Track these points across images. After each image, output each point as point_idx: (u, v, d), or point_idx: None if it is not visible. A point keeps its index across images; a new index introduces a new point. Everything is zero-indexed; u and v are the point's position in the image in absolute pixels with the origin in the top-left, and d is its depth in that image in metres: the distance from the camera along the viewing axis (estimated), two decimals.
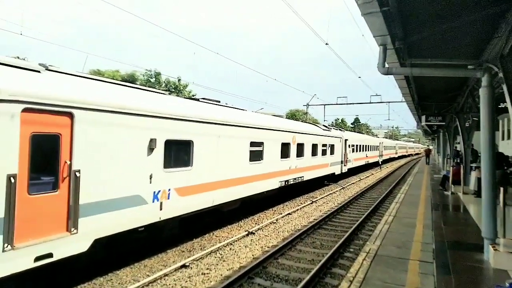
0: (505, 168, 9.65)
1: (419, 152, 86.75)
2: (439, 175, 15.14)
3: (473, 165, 12.49)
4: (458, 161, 13.90)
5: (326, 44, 13.72)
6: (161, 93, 8.16)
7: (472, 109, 11.94)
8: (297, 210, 13.10)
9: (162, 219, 7.21)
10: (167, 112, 7.44)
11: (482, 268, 4.84)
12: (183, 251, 8.01)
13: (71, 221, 5.26)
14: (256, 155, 11.38)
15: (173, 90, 35.79)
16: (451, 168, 13.36)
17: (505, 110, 5.45)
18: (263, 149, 11.83)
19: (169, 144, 7.46)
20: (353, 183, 22.32)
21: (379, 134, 73.46)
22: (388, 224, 7.77)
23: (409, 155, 73.47)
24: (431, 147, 42.81)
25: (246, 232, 9.47)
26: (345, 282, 4.53)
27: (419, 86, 11.67)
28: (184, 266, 6.99)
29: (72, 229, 5.26)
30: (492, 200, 5.38)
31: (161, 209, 7.23)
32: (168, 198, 7.46)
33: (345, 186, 20.45)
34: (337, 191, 18.46)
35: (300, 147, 15.60)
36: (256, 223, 10.87)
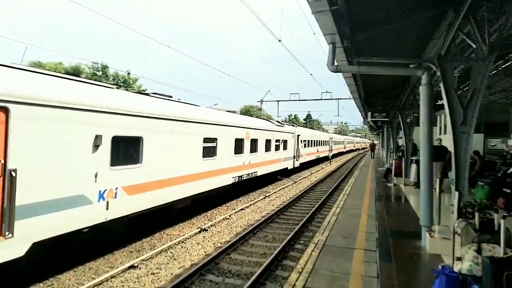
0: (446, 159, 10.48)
1: (366, 146, 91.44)
2: (383, 168, 16.07)
3: (413, 158, 13.42)
4: (400, 154, 14.82)
5: (279, 41, 13.89)
6: (108, 87, 7.74)
7: (413, 106, 12.77)
8: (251, 205, 13.20)
9: (108, 219, 6.88)
10: (114, 107, 7.08)
11: (420, 254, 5.21)
12: (132, 252, 7.72)
13: (5, 225, 4.83)
14: (209, 151, 11.26)
15: (121, 84, 34.20)
16: (394, 161, 14.23)
17: (443, 106, 5.88)
18: (216, 145, 11.73)
19: (116, 140, 7.11)
20: (305, 177, 22.96)
21: (329, 130, 76.25)
22: (336, 216, 8.10)
23: (356, 150, 77.17)
24: (376, 142, 45.30)
25: (199, 229, 9.35)
26: (294, 273, 4.64)
27: (366, 84, 12.26)
28: (132, 266, 6.73)
29: (7, 233, 4.83)
30: (429, 190, 5.81)
31: (107, 208, 6.88)
32: (115, 197, 7.13)
33: (297, 180, 20.97)
34: (289, 185, 18.87)
35: (254, 142, 15.70)
36: (209, 220, 10.78)
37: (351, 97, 15.32)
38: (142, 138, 7.90)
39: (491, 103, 28.64)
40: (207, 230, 9.47)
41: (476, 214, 4.13)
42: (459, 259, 3.66)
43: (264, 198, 14.78)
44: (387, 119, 15.60)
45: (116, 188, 7.15)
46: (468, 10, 5.18)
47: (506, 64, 21.96)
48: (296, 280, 4.40)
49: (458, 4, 5.40)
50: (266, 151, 17.30)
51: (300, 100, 32.03)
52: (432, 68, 5.97)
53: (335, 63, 6.82)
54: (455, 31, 5.56)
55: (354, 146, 76.52)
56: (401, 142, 17.30)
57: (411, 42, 8.01)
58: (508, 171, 9.95)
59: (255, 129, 15.81)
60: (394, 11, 6.00)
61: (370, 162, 27.72)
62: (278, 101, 34.42)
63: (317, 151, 33.19)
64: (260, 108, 40.20)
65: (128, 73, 35.46)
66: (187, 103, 10.85)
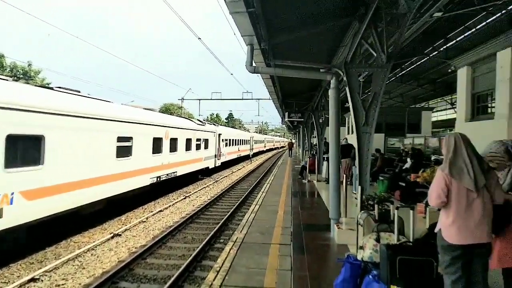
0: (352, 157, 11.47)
1: (284, 145, 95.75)
2: (299, 166, 16.97)
3: (325, 156, 14.43)
4: (314, 153, 15.80)
5: (199, 38, 13.71)
6: (3, 79, 6.78)
7: (325, 107, 13.73)
8: (170, 206, 12.82)
9: (1, 229, 6.04)
10: (10, 101, 6.24)
11: (329, 245, 5.61)
12: (33, 263, 6.89)
13: None
14: (124, 151, 10.61)
15: (21, 76, 30.28)
16: (308, 159, 15.13)
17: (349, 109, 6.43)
18: (132, 144, 11.10)
19: (12, 139, 6.29)
20: (226, 176, 23.11)
21: (250, 129, 77.92)
22: (255, 213, 8.31)
23: (275, 148, 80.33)
24: (293, 141, 47.63)
25: (111, 235, 8.75)
26: (212, 273, 4.63)
27: (283, 85, 12.81)
28: (33, 279, 6.03)
29: None
30: (336, 185, 6.29)
31: (1, 217, 6.05)
32: (11, 203, 6.30)
33: (218, 179, 20.99)
34: (210, 184, 18.80)
35: (174, 142, 15.27)
36: (123, 224, 10.16)
37: (270, 97, 15.83)
38: (44, 137, 7.10)
39: (391, 106, 32.34)
40: (120, 235, 8.91)
41: (376, 206, 4.60)
42: (362, 247, 4.01)
43: (185, 198, 14.48)
44: (303, 120, 16.52)
45: (12, 193, 6.33)
46: (370, 22, 5.73)
47: (402, 73, 24.89)
48: (214, 280, 4.39)
49: (361, 16, 5.93)
50: (186, 150, 16.96)
51: (221, 99, 32.11)
52: (340, 73, 6.47)
53: (254, 64, 6.97)
54: (359, 40, 6.11)
55: (274, 145, 79.55)
56: (315, 141, 18.46)
57: (323, 48, 8.58)
58: (404, 167, 11.30)
59: (175, 127, 15.38)
60: (307, 18, 6.36)
61: (288, 160, 29.06)
62: (199, 99, 34.04)
63: (239, 150, 33.67)
64: (181, 107, 39.26)
65: (29, 64, 31.57)
66: (98, 99, 10.06)
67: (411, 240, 3.67)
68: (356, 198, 5.60)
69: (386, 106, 32.51)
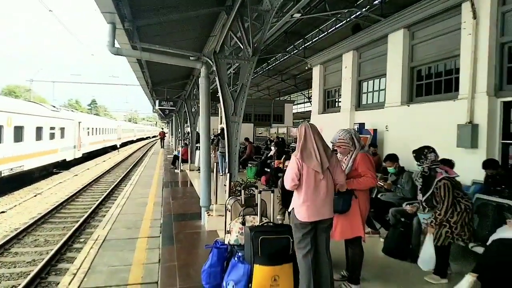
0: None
1: (157, 135, 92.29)
2: (171, 155, 16.59)
3: (198, 145, 14.49)
4: (187, 142, 15.67)
5: (50, 11, 11.82)
6: None
7: (197, 96, 13.68)
8: (16, 206, 10.86)
9: None
10: None
11: (200, 233, 5.66)
12: None
13: None
14: None
15: None
16: (181, 148, 14.93)
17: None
18: None
19: None
20: (89, 168, 20.89)
21: (118, 117, 72.19)
22: (121, 207, 7.75)
23: (147, 138, 76.65)
24: (166, 130, 46.25)
25: None
26: (67, 276, 4.12)
27: (153, 71, 12.17)
28: None
29: None
30: (207, 174, 6.37)
31: None
32: None
33: (79, 173, 18.80)
34: (69, 179, 16.69)
35: (19, 130, 12.93)
36: None
37: (139, 83, 14.89)
38: None
39: (259, 98, 34.57)
40: None
41: (242, 192, 4.83)
42: (229, 232, 4.16)
43: (35, 196, 12.48)
44: (175, 108, 16.14)
45: None
46: (237, 15, 5.90)
47: (268, 67, 26.75)
48: (69, 284, 3.91)
49: (229, 8, 6.06)
50: (37, 140, 14.60)
51: (82, 83, 28.69)
52: (210, 62, 6.50)
53: (117, 45, 6.39)
54: (227, 32, 6.24)
55: (145, 135, 75.73)
56: (188, 130, 18.32)
57: (194, 36, 8.48)
58: (269, 154, 12.24)
59: (20, 113, 13.02)
60: (176, 1, 6.14)
61: (160, 150, 28.07)
62: (54, 81, 29.62)
63: (104, 140, 30.85)
64: (29, 89, 33.51)
65: None
66: None
67: (272, 220, 3.98)
68: (225, 185, 5.79)
69: (256, 98, 34.64)
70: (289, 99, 35.27)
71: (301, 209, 3.14)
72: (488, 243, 3.44)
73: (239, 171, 12.40)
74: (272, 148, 11.73)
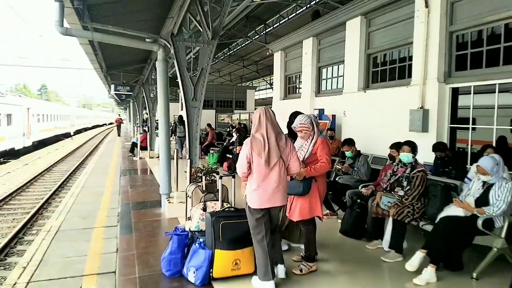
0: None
1: (113, 121, 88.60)
2: (129, 143, 16.01)
3: (157, 131, 14.07)
4: (146, 128, 15.19)
5: None
6: None
7: (156, 81, 13.20)
8: None
9: None
10: None
11: (160, 220, 5.54)
12: None
13: None
14: None
15: None
16: (140, 135, 14.43)
17: None
18: None
19: None
20: (40, 157, 19.66)
21: (71, 103, 68.41)
22: (75, 196, 7.38)
23: (103, 125, 73.33)
24: (123, 117, 44.46)
25: None
26: (17, 269, 3.87)
27: (107, 54, 11.53)
28: None
29: None
30: (167, 160, 6.20)
31: None
32: None
33: (29, 162, 17.64)
34: (18, 168, 15.63)
35: None
36: None
37: (93, 67, 14.07)
38: None
39: (221, 84, 34.15)
40: None
41: (203, 178, 4.76)
42: (190, 218, 4.10)
43: None
44: (132, 93, 15.51)
45: None
46: None
47: (230, 53, 26.37)
48: (19, 277, 3.68)
49: None
50: None
51: (31, 66, 26.69)
52: (167, 45, 6.26)
53: (66, 25, 5.95)
54: (185, 14, 6.03)
55: (101, 122, 72.43)
56: (147, 116, 17.73)
57: (151, 17, 8.10)
58: (231, 141, 12.17)
59: None
60: None
61: (117, 138, 26.99)
62: None
63: (56, 127, 29.15)
64: None
65: None
66: None
67: (233, 206, 3.97)
68: (185, 172, 5.67)
69: (217, 84, 34.19)
70: (251, 85, 35.20)
71: (252, 196, 3.17)
72: (436, 221, 3.67)
73: (201, 157, 12.26)
74: (234, 134, 11.67)
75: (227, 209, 3.90)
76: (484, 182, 3.62)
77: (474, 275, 3.48)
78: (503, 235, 3.50)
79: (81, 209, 6.45)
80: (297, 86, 12.89)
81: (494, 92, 5.99)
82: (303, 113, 3.96)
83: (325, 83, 11.06)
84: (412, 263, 3.52)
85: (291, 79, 13.38)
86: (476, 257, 3.61)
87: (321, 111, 10.08)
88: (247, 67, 28.59)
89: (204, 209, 4.09)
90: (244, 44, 22.27)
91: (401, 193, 4.15)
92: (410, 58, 7.51)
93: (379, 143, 7.19)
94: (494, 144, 5.61)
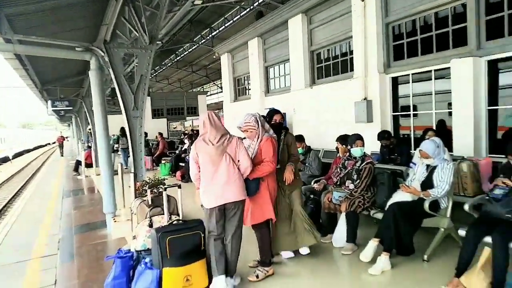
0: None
1: (56, 141, 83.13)
2: (73, 161, 14.93)
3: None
4: (90, 144, 14.29)
5: None
6: None
7: None
8: None
9: None
10: None
11: (105, 243, 5.10)
12: None
13: None
14: None
15: None
16: (84, 151, 13.52)
17: None
18: None
19: None
20: None
21: (11, 125, 63.47)
22: (10, 226, 6.65)
23: (46, 145, 68.10)
24: (65, 135, 41.68)
25: None
26: None
27: (39, 68, 10.67)
28: None
29: None
30: (109, 177, 5.75)
31: None
32: None
33: None
34: None
35: None
36: None
37: (25, 84, 12.96)
38: None
39: (171, 91, 33.33)
40: None
41: (148, 191, 4.43)
42: (135, 237, 3.77)
43: None
44: (72, 108, 14.54)
45: None
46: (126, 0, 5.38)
47: (177, 59, 25.80)
48: None
49: None
50: None
51: None
52: (100, 53, 5.84)
53: None
54: (117, 17, 5.67)
55: (44, 141, 67.55)
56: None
57: (86, 25, 7.61)
58: (183, 148, 11.78)
59: None
60: None
61: (60, 158, 25.15)
62: None
63: None
64: None
65: None
66: None
67: (181, 218, 3.70)
68: (129, 186, 5.28)
69: (167, 91, 33.34)
70: (202, 90, 34.73)
71: (204, 196, 3.20)
72: (386, 208, 3.68)
73: (153, 169, 11.74)
74: (186, 141, 11.30)
75: (175, 222, 3.62)
76: (428, 166, 3.69)
77: (425, 257, 3.55)
78: (448, 215, 3.61)
79: (16, 240, 5.79)
80: (247, 87, 12.81)
81: (431, 79, 6.26)
82: (279, 111, 3.96)
83: (274, 82, 11.07)
84: (366, 254, 3.49)
85: (240, 81, 13.27)
86: (426, 240, 3.66)
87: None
88: (197, 72, 28.18)
89: (150, 225, 3.79)
90: (191, 49, 21.90)
91: (351, 186, 4.14)
92: (352, 52, 7.68)
93: (329, 137, 7.26)
94: (434, 128, 5.85)
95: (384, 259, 3.39)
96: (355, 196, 4.02)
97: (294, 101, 9.34)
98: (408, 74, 6.62)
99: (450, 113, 5.90)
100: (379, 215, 3.85)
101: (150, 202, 4.36)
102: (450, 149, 4.98)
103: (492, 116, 5.51)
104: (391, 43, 6.93)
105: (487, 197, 3.18)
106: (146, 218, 4.01)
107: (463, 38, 5.64)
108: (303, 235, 3.73)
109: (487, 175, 4.17)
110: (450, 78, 5.81)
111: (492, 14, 5.32)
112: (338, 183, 4.34)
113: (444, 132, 5.79)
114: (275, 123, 3.85)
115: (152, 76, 27.99)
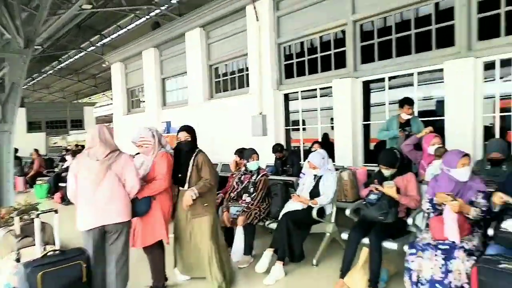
0: None
1: None
2: None
3: None
4: None
5: None
6: None
7: None
8: None
9: None
10: None
11: None
12: None
13: None
14: None
15: None
16: None
17: None
18: None
19: None
20: None
21: None
22: None
23: None
24: None
25: None
26: None
27: None
28: None
29: None
30: None
31: None
32: None
33: None
34: None
35: None
36: None
37: None
38: None
39: (52, 102, 29.66)
40: None
41: (16, 219, 3.74)
42: None
43: None
44: None
45: None
46: None
47: (61, 66, 23.28)
48: None
49: None
50: None
51: None
52: None
53: None
54: None
55: None
56: None
57: None
58: (63, 166, 10.43)
59: None
60: None
61: None
62: None
63: None
64: None
65: None
66: None
67: (57, 247, 3.22)
68: None
69: (47, 102, 29.63)
70: (89, 101, 31.77)
71: (79, 217, 2.84)
72: (279, 218, 3.84)
73: (26, 191, 10.16)
74: (68, 158, 9.97)
75: (50, 253, 3.10)
76: (315, 175, 3.98)
77: (314, 261, 3.79)
78: (333, 220, 3.96)
79: None
80: (141, 100, 12.17)
81: (316, 96, 6.87)
82: (187, 127, 3.54)
83: (171, 94, 10.76)
84: (262, 264, 3.55)
85: (134, 93, 12.55)
86: (315, 245, 3.91)
87: (169, 123, 9.75)
88: (83, 81, 25.72)
89: (18, 260, 3.20)
90: (77, 56, 19.95)
91: (248, 199, 4.20)
92: (248, 68, 7.95)
93: (227, 151, 7.32)
94: (320, 140, 6.41)
95: (278, 268, 3.50)
96: (251, 209, 4.08)
97: (192, 115, 9.21)
98: (298, 92, 7.15)
99: (332, 127, 6.54)
100: (274, 225, 3.98)
101: (19, 232, 3.70)
102: (333, 159, 5.47)
103: (366, 130, 6.29)
104: (283, 62, 7.40)
105: (364, 202, 3.56)
106: (12, 251, 3.39)
107: (343, 60, 6.36)
108: (206, 272, 3.35)
109: (363, 182, 4.71)
110: (332, 96, 6.46)
111: (366, 41, 6.10)
112: (235, 197, 4.36)
113: (328, 144, 6.38)
114: (179, 141, 3.45)
115: (29, 84, 24.61)
